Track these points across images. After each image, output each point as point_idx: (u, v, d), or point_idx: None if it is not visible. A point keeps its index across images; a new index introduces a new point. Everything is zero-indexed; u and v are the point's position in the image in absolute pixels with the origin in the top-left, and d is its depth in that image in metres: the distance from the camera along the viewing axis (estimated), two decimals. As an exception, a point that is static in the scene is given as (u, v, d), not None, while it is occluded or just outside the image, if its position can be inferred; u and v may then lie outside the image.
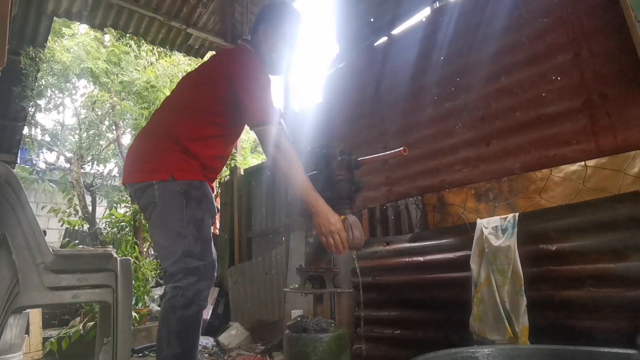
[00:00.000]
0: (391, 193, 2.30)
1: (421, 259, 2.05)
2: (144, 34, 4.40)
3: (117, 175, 6.45)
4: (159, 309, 4.12)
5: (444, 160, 2.02)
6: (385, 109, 2.43)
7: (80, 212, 5.17)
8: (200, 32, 4.47)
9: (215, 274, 1.46)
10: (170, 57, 5.49)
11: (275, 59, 1.61)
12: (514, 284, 1.57)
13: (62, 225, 4.78)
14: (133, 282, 2.17)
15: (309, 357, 1.41)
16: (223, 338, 3.29)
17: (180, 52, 4.99)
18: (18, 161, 5.66)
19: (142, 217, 4.23)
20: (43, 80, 4.92)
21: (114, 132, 5.88)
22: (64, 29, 5.46)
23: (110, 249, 1.98)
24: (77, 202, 5.26)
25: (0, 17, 1.78)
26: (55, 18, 4.04)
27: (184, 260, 1.33)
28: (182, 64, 5.45)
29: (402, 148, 1.54)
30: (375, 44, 2.69)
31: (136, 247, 4.18)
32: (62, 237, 6.06)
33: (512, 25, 1.86)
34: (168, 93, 5.25)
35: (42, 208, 5.46)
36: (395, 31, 2.58)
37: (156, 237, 1.45)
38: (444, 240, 2.00)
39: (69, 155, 5.96)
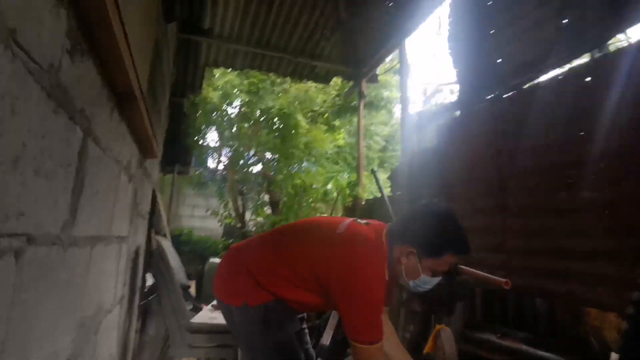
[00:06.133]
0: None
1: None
2: (276, 69, 4.89)
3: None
4: None
5: (575, 265, 1.67)
6: (508, 178, 2.12)
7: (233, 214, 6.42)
8: (324, 62, 4.67)
9: None
10: (300, 84, 5.89)
11: (412, 286, 1.34)
12: None
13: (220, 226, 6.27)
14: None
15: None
16: None
17: (308, 81, 5.35)
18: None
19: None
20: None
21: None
22: (214, 69, 6.37)
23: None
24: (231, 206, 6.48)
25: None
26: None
27: None
28: (311, 90, 5.81)
29: (505, 280, 1.36)
30: (504, 96, 2.34)
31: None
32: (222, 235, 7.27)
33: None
34: (299, 118, 5.61)
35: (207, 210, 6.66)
36: (532, 84, 2.19)
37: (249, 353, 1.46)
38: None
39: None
